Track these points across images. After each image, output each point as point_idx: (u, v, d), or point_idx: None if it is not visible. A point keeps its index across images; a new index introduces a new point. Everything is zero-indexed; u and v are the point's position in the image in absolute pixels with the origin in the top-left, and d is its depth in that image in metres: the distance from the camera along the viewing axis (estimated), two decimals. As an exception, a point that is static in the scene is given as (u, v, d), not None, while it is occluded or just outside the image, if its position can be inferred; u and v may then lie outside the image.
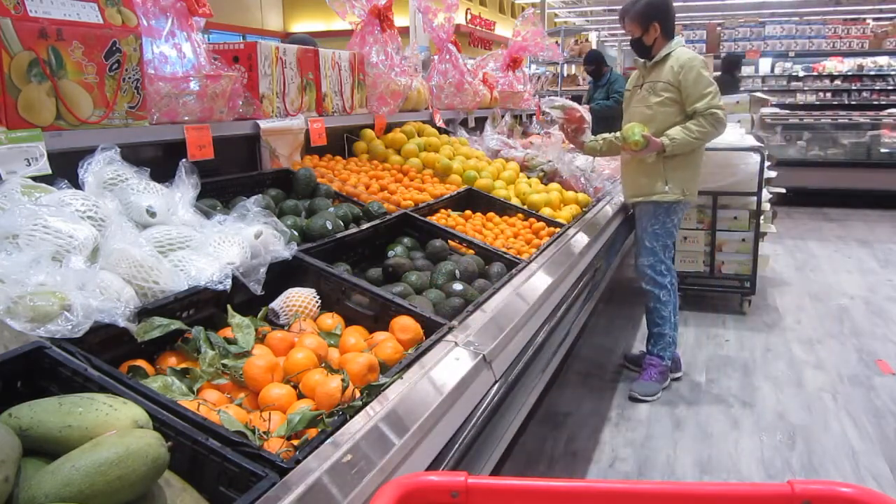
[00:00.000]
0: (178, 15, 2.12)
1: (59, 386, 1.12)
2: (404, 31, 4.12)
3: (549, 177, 3.68)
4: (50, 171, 1.60)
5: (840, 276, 5.81)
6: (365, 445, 1.18)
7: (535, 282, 2.24)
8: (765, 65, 11.88)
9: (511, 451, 2.78)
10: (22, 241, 1.32)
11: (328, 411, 1.25)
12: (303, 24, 15.73)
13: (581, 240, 2.88)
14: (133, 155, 1.78)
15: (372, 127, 3.29)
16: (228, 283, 1.50)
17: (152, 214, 1.62)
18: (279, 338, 1.49)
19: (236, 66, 2.39)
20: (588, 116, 3.89)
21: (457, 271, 2.10)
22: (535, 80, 10.54)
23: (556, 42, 9.74)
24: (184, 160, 1.81)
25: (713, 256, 4.75)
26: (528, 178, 3.55)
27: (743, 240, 4.73)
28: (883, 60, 11.25)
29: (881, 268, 6.09)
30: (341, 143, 3.20)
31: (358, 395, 1.31)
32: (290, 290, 1.69)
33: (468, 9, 17.36)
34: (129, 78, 1.84)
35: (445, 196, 2.83)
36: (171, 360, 1.36)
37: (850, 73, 11.45)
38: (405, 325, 1.62)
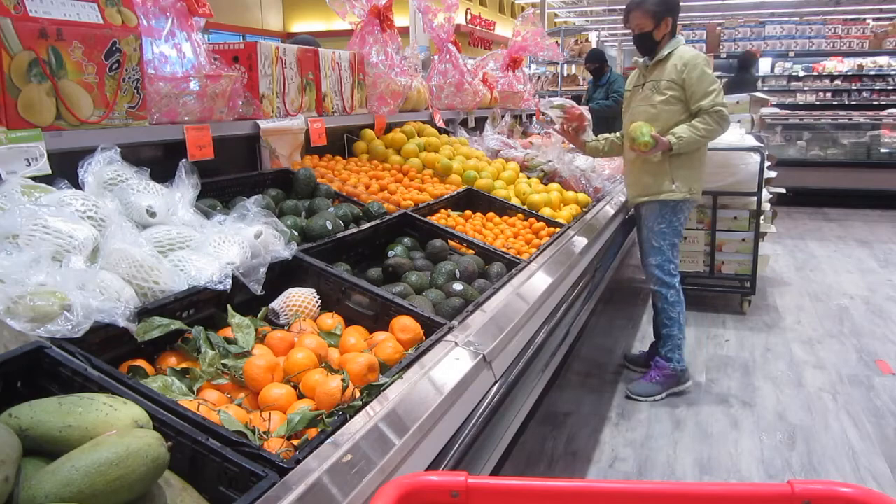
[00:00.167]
0: (178, 15, 2.12)
1: (59, 386, 1.12)
2: (404, 31, 4.11)
3: (549, 177, 3.68)
4: (50, 171, 1.60)
5: (840, 276, 5.81)
6: (365, 445, 1.18)
7: (535, 282, 2.24)
8: (765, 65, 11.87)
9: (511, 451, 2.78)
10: (22, 241, 1.32)
11: (328, 411, 1.25)
12: (303, 24, 15.74)
13: (581, 240, 2.89)
14: (133, 155, 1.79)
15: (372, 127, 3.29)
16: (228, 283, 1.50)
17: (152, 214, 1.62)
18: (279, 338, 1.49)
19: (236, 66, 2.39)
20: (588, 116, 3.84)
21: (457, 271, 2.10)
22: (535, 80, 10.55)
23: (556, 42, 9.74)
24: (184, 160, 1.81)
25: (713, 256, 4.75)
26: (528, 178, 3.55)
27: (743, 240, 4.73)
28: (883, 60, 11.24)
29: (881, 268, 6.09)
30: (341, 143, 3.20)
31: (358, 395, 1.31)
32: (290, 290, 1.69)
33: (468, 9, 17.36)
34: (129, 78, 1.84)
35: (445, 196, 2.83)
36: (171, 360, 1.36)
37: (850, 73, 11.44)
38: (405, 325, 1.62)
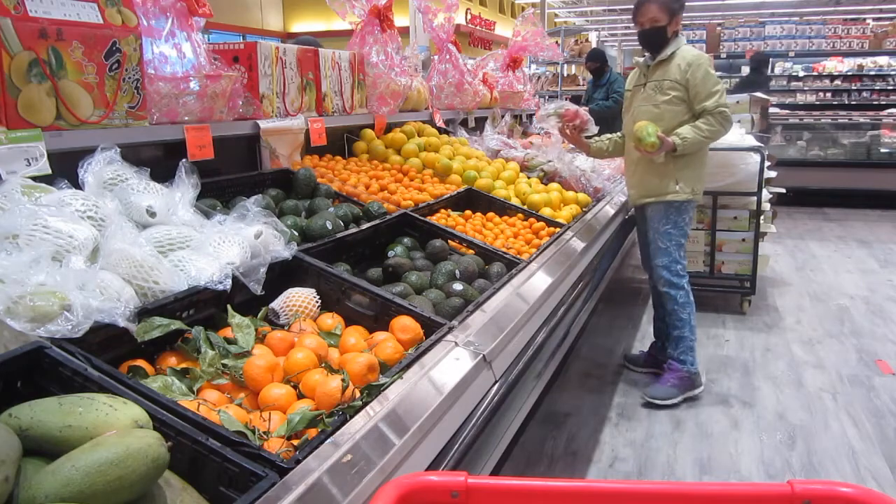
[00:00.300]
0: (178, 15, 2.12)
1: (59, 386, 1.13)
2: (404, 31, 4.12)
3: (549, 177, 3.68)
4: (50, 171, 1.60)
5: (840, 276, 5.81)
6: (365, 445, 1.18)
7: (535, 282, 2.24)
8: (765, 65, 11.86)
9: (511, 451, 2.78)
10: (22, 241, 1.32)
11: (328, 411, 1.25)
12: (303, 24, 15.74)
13: (581, 240, 2.89)
14: (133, 155, 1.79)
15: (372, 127, 3.29)
16: (228, 283, 1.50)
17: (152, 214, 1.62)
18: (279, 338, 1.49)
19: (236, 66, 2.39)
20: (584, 112, 3.77)
21: (457, 271, 2.10)
22: (535, 80, 10.55)
23: (556, 42, 9.74)
24: (184, 160, 1.82)
25: (713, 256, 4.75)
26: (528, 178, 3.55)
27: (743, 240, 4.73)
28: (883, 60, 11.24)
29: (881, 268, 6.09)
30: (341, 143, 3.20)
31: (358, 395, 1.31)
32: (290, 290, 1.69)
33: (468, 9, 17.36)
34: (129, 78, 1.84)
35: (445, 196, 2.84)
36: (171, 360, 1.36)
37: (850, 73, 11.44)
38: (405, 325, 1.62)
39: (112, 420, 0.98)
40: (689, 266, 4.68)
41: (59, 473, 0.88)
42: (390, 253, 2.21)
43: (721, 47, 11.51)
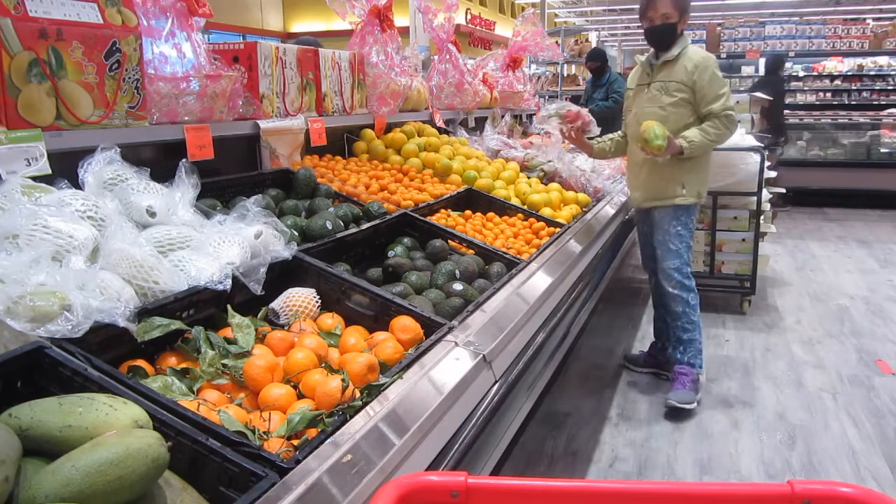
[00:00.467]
0: (178, 15, 2.12)
1: (59, 386, 1.12)
2: (404, 31, 4.12)
3: (549, 177, 3.68)
4: (50, 171, 1.60)
5: (840, 276, 5.81)
6: (365, 445, 1.18)
7: (535, 282, 2.24)
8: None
9: (511, 451, 2.79)
10: (22, 241, 1.32)
11: (328, 411, 1.25)
12: (303, 24, 15.74)
13: (581, 240, 2.89)
14: (133, 155, 1.79)
15: (372, 127, 3.29)
16: (228, 283, 1.50)
17: (152, 214, 1.62)
18: (279, 338, 1.49)
19: (236, 66, 2.39)
20: (586, 112, 3.72)
21: (457, 271, 2.10)
22: (535, 80, 10.55)
23: (556, 42, 9.74)
24: (184, 160, 1.81)
25: (713, 256, 4.75)
26: (528, 178, 3.55)
27: (743, 240, 4.73)
28: (883, 60, 11.24)
29: (881, 268, 6.09)
30: (341, 143, 3.20)
31: (358, 395, 1.31)
32: (290, 290, 1.69)
33: (468, 9, 17.35)
34: (129, 78, 1.84)
35: (445, 196, 2.83)
36: (171, 360, 1.36)
37: (850, 73, 11.43)
38: (405, 325, 1.62)
39: (112, 420, 0.98)
40: (689, 266, 4.71)
41: (59, 473, 0.88)
42: (390, 253, 2.21)
43: (721, 47, 11.49)
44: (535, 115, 5.58)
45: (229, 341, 1.42)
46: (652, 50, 3.36)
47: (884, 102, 10.87)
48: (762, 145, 4.74)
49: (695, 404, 3.34)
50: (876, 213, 8.54)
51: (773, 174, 5.26)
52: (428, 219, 2.49)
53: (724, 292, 4.93)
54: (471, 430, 1.51)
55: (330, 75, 2.91)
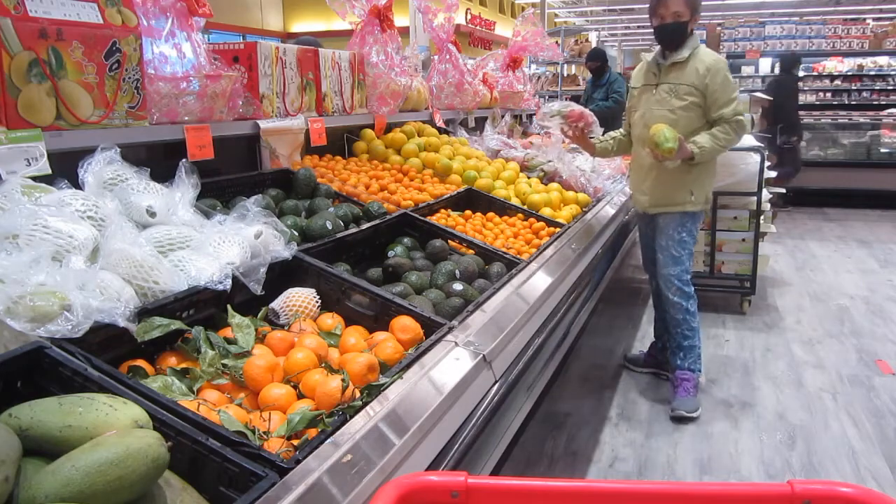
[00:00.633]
0: (178, 15, 2.12)
1: (59, 386, 1.12)
2: (404, 31, 4.12)
3: (549, 177, 3.67)
4: (50, 171, 1.60)
5: (840, 276, 5.81)
6: (365, 445, 1.18)
7: (535, 282, 2.24)
8: (765, 65, 11.86)
9: (511, 451, 2.78)
10: (22, 241, 1.32)
11: (328, 411, 1.25)
12: (303, 24, 15.74)
13: (581, 240, 2.89)
14: (133, 155, 1.79)
15: (372, 127, 3.29)
16: (228, 283, 1.50)
17: (152, 214, 1.62)
18: (279, 338, 1.49)
19: (236, 66, 2.39)
20: (589, 112, 3.66)
21: (457, 271, 2.10)
22: (535, 80, 10.55)
23: (556, 42, 9.74)
24: (184, 160, 1.81)
25: (713, 256, 4.75)
26: (528, 178, 3.55)
27: (743, 240, 4.73)
28: (883, 60, 11.24)
29: (881, 268, 6.09)
30: (341, 143, 3.20)
31: (358, 395, 1.31)
32: (290, 290, 1.69)
33: (468, 9, 17.35)
34: (129, 78, 1.84)
35: (445, 196, 2.83)
36: (171, 360, 1.36)
37: (850, 73, 11.44)
38: (405, 325, 1.62)
39: (112, 420, 0.98)
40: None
41: (59, 473, 0.88)
42: (390, 253, 2.21)
43: (721, 47, 11.50)
44: (535, 115, 5.58)
45: (229, 341, 1.42)
46: (658, 49, 3.29)
47: (884, 102, 10.88)
48: (762, 145, 4.74)
49: (699, 410, 3.33)
50: (876, 213, 8.54)
51: (773, 174, 5.26)
52: (428, 219, 2.49)
53: (724, 292, 4.93)
54: (471, 430, 1.51)
55: (330, 75, 2.91)
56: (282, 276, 1.73)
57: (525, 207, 3.06)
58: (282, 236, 1.77)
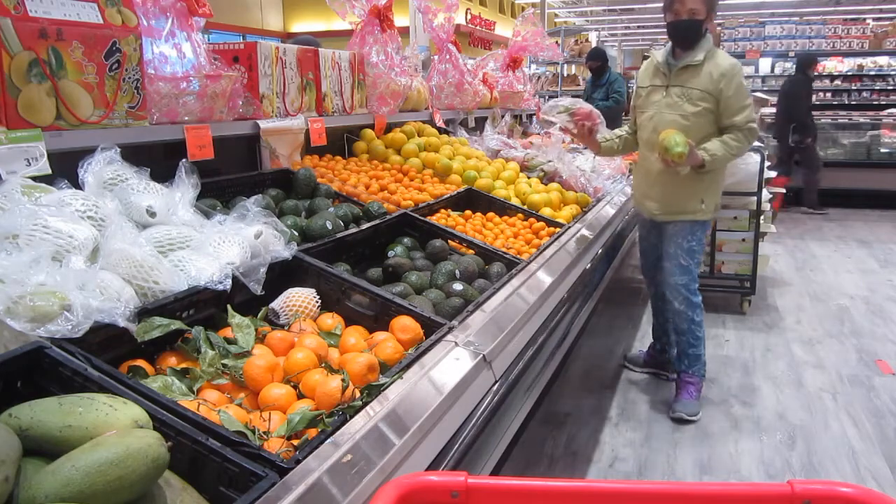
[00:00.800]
0: (178, 15, 2.12)
1: (59, 386, 1.12)
2: (404, 31, 4.12)
3: (549, 177, 3.67)
4: (50, 171, 1.60)
5: (840, 276, 5.81)
6: (365, 445, 1.18)
7: (535, 282, 2.24)
8: (765, 65, 11.88)
9: (511, 451, 2.78)
10: (22, 241, 1.32)
11: (328, 411, 1.25)
12: (303, 24, 15.74)
13: (581, 240, 2.89)
14: (133, 155, 1.79)
15: (372, 127, 3.29)
16: (228, 283, 1.50)
17: (152, 214, 1.62)
18: (279, 338, 1.49)
19: (236, 66, 2.39)
20: (597, 111, 3.57)
21: (457, 271, 2.10)
22: (535, 80, 10.55)
23: (556, 42, 9.75)
24: (184, 160, 1.81)
25: (713, 256, 4.76)
26: (528, 178, 3.55)
27: (743, 240, 4.73)
28: (883, 60, 11.25)
29: (881, 268, 6.10)
30: (341, 143, 3.20)
31: (358, 395, 1.31)
32: (290, 290, 1.69)
33: (468, 9, 17.36)
34: (129, 78, 1.84)
35: (445, 196, 2.83)
36: (171, 360, 1.36)
37: (850, 73, 11.45)
38: (405, 325, 1.62)
39: (112, 420, 0.98)
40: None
41: (59, 473, 0.88)
42: (390, 253, 2.21)
43: (721, 47, 11.49)
44: (535, 115, 5.58)
45: (229, 341, 1.42)
46: (668, 46, 3.19)
47: (884, 102, 10.89)
48: (762, 145, 4.74)
49: (700, 414, 3.32)
50: (876, 213, 8.55)
51: (773, 174, 5.26)
52: (428, 219, 2.49)
53: (724, 292, 4.93)
54: (471, 430, 1.51)
55: (330, 75, 2.91)
56: (282, 276, 1.73)
57: (525, 207, 3.06)
58: (282, 236, 1.77)
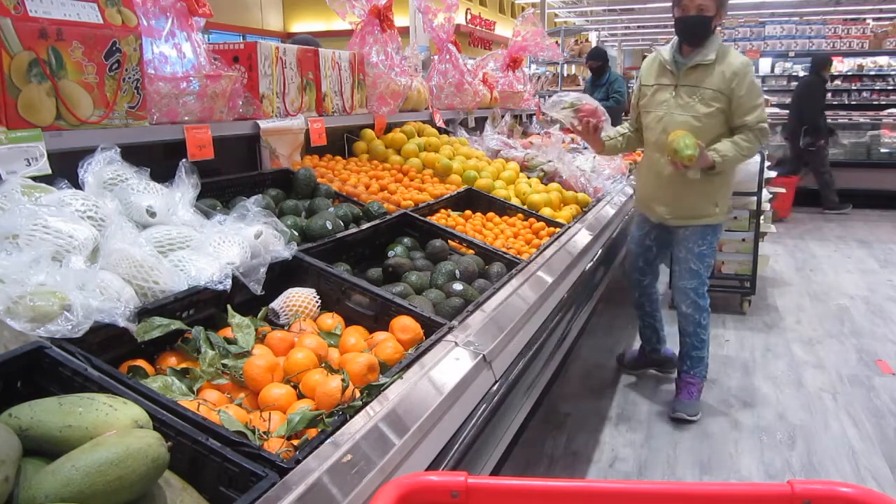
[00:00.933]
0: (178, 15, 2.12)
1: (59, 386, 1.12)
2: (404, 31, 4.12)
3: (549, 177, 3.67)
4: (50, 171, 1.60)
5: (840, 276, 5.81)
6: (365, 445, 1.18)
7: (535, 282, 2.24)
8: (765, 65, 11.87)
9: (511, 451, 2.78)
10: (22, 241, 1.32)
11: (328, 411, 1.25)
12: (303, 24, 15.74)
13: (581, 240, 2.89)
14: (133, 155, 1.79)
15: (372, 127, 3.29)
16: (228, 283, 1.50)
17: (152, 214, 1.62)
18: (279, 338, 1.49)
19: (236, 66, 2.39)
20: (602, 108, 3.41)
21: (457, 271, 2.10)
22: (535, 80, 10.55)
23: (556, 42, 9.75)
24: (184, 160, 1.81)
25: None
26: (528, 178, 3.54)
27: (743, 240, 4.73)
28: (883, 60, 11.25)
29: (881, 268, 6.10)
30: (341, 143, 3.20)
31: (358, 395, 1.31)
32: (290, 290, 1.69)
33: (468, 9, 17.36)
34: (129, 78, 1.84)
35: (445, 196, 2.83)
36: (171, 360, 1.36)
37: (850, 73, 11.44)
38: (405, 325, 1.62)
39: (112, 420, 0.98)
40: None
41: (59, 473, 0.88)
42: (390, 253, 2.21)
43: (721, 47, 11.50)
44: (535, 115, 5.58)
45: (229, 341, 1.42)
46: (674, 44, 3.11)
47: (884, 102, 10.89)
48: (762, 145, 4.73)
49: (699, 415, 3.31)
50: (876, 213, 8.55)
51: (772, 174, 5.26)
52: (428, 219, 2.49)
53: (724, 292, 4.93)
54: (471, 430, 1.51)
55: (330, 75, 2.91)
56: (282, 276, 1.73)
57: (525, 207, 3.06)
58: (282, 236, 1.77)
